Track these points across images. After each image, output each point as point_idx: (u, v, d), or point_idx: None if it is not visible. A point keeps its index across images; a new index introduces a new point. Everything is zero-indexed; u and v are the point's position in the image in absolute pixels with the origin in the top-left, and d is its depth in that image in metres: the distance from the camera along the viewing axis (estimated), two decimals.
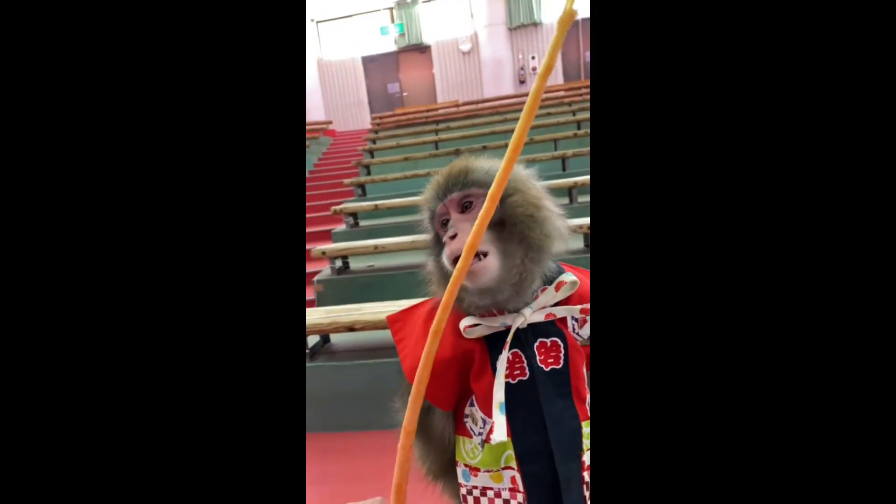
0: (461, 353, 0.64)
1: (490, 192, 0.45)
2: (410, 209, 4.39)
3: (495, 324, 0.62)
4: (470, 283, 0.60)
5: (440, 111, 8.65)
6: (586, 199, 3.81)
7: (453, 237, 0.62)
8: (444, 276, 0.63)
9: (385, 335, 2.32)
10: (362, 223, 4.44)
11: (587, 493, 0.63)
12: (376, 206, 4.12)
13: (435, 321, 0.48)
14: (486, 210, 0.45)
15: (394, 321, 0.72)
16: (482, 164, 0.67)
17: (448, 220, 0.65)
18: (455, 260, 0.60)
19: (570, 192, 3.72)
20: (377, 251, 3.18)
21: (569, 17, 0.46)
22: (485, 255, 0.60)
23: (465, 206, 0.64)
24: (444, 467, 0.72)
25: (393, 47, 11.03)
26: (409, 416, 0.48)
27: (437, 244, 0.66)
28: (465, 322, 0.63)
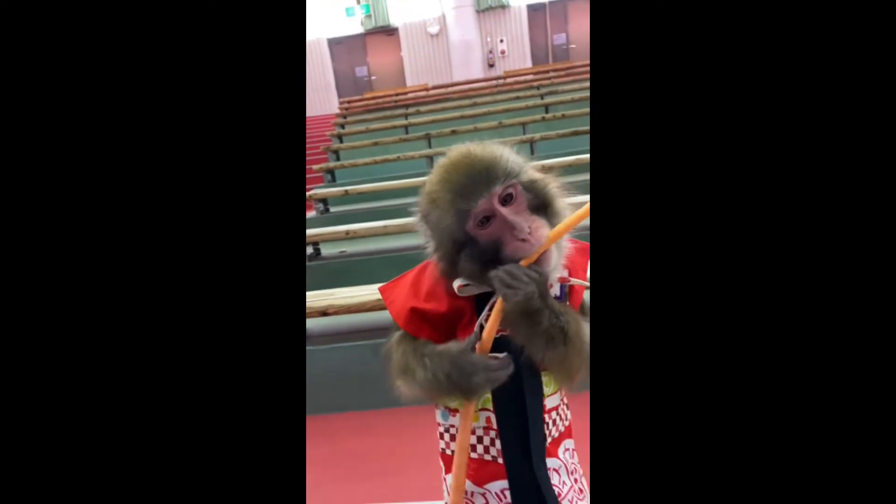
0: (454, 310, 0.69)
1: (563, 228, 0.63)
2: (381, 194, 4.38)
3: (485, 285, 0.66)
4: (543, 266, 0.63)
5: (410, 95, 8.58)
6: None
7: (524, 240, 0.62)
8: (487, 267, 0.64)
9: (358, 318, 2.34)
10: (333, 209, 4.41)
11: (546, 429, 0.71)
12: (346, 191, 4.10)
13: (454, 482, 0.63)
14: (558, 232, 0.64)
15: (385, 290, 0.76)
16: (497, 152, 0.67)
17: (489, 217, 0.64)
18: (527, 257, 0.63)
19: None
20: (349, 237, 3.18)
21: (499, 311, 0.63)
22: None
23: (506, 200, 0.64)
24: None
25: (359, 29, 10.82)
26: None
27: (470, 244, 0.65)
28: (458, 282, 0.68)
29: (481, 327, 0.67)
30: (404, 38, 10.79)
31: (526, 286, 0.61)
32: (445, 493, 0.75)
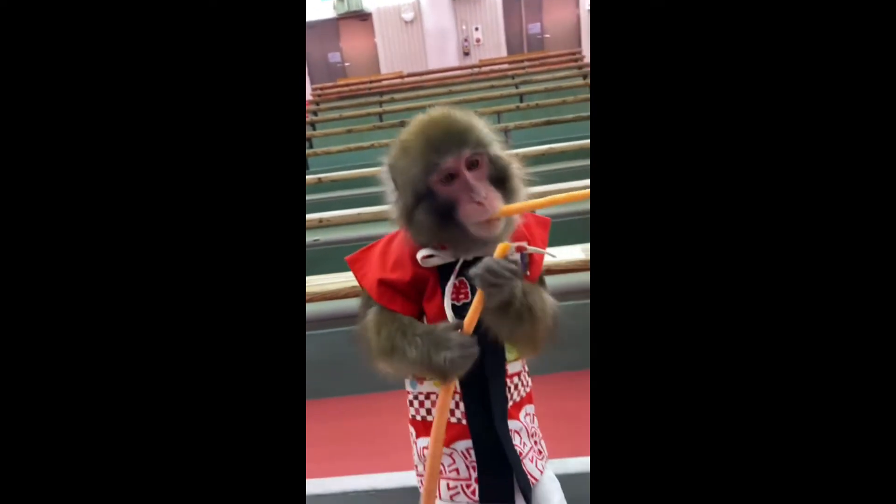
0: (419, 278, 0.73)
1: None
2: (355, 182, 4.34)
3: (447, 256, 0.71)
4: (485, 233, 0.68)
5: (384, 82, 8.48)
6: (527, 169, 3.91)
7: (480, 204, 0.66)
8: (441, 229, 0.69)
9: (334, 306, 2.34)
10: (306, 197, 4.35)
11: (508, 393, 0.75)
12: (320, 179, 4.05)
13: (434, 431, 0.65)
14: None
15: (353, 260, 0.79)
16: (474, 120, 0.71)
17: (454, 176, 0.68)
18: (477, 221, 0.67)
19: None
20: (322, 225, 3.15)
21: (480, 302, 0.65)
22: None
23: (472, 165, 0.69)
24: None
25: (332, 13, 10.61)
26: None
27: (429, 197, 0.69)
28: (422, 253, 0.72)
29: (453, 308, 0.69)
30: (378, 24, 10.63)
31: (508, 282, 0.64)
32: (415, 455, 0.79)
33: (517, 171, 0.73)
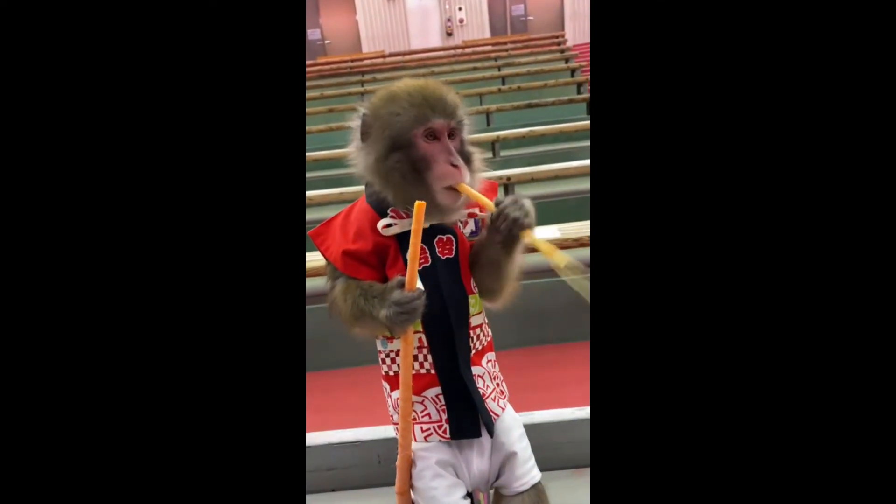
0: (380, 247, 0.79)
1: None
2: (336, 162, 4.32)
3: (406, 224, 0.76)
4: (449, 201, 0.74)
5: (366, 62, 8.37)
6: (508, 152, 3.96)
7: (456, 167, 0.72)
8: (409, 184, 0.74)
9: (316, 283, 2.37)
10: None
11: (471, 343, 0.83)
12: None
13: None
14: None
15: (316, 234, 0.84)
16: (460, 101, 0.78)
17: (436, 138, 0.74)
18: (448, 185, 0.73)
19: (493, 145, 3.84)
20: (305, 203, 3.16)
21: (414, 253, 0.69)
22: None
23: (451, 135, 0.76)
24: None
25: None
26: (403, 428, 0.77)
27: (405, 149, 0.74)
28: (382, 222, 0.77)
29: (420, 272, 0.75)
30: (360, 2, 10.43)
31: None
32: (390, 407, 0.87)
33: (479, 156, 0.81)
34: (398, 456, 0.83)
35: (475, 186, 0.78)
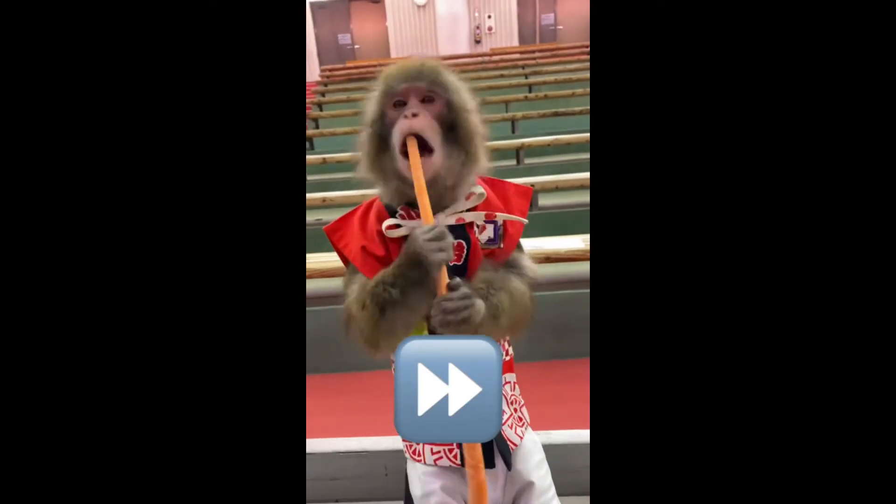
0: (393, 253, 0.73)
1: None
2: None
3: (414, 225, 0.70)
4: (407, 172, 0.67)
5: None
6: (533, 160, 3.90)
7: (414, 115, 0.67)
8: (376, 156, 0.70)
9: (333, 283, 2.35)
10: (310, 177, 4.35)
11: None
12: (324, 159, 4.04)
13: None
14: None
15: (333, 230, 0.80)
16: (443, 69, 0.73)
17: (404, 102, 0.70)
18: (404, 141, 0.67)
19: (517, 153, 3.80)
20: (325, 204, 3.16)
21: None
22: (430, 151, 0.68)
23: (427, 99, 0.70)
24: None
25: None
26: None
27: (381, 119, 0.71)
28: (388, 222, 0.72)
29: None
30: (390, 8, 10.53)
31: (467, 311, 0.62)
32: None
33: (474, 123, 0.71)
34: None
35: (469, 175, 0.71)
